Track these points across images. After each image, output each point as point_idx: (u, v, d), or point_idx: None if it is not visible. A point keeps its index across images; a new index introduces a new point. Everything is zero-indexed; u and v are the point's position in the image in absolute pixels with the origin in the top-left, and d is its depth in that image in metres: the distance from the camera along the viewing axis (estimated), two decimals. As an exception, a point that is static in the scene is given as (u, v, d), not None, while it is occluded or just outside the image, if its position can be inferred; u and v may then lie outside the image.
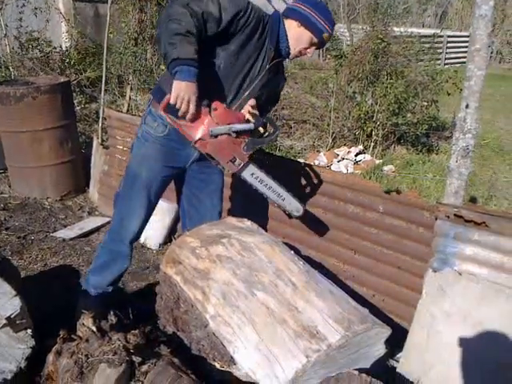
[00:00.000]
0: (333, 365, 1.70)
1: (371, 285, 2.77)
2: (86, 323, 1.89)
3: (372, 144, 6.36)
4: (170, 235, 3.66)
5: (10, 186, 4.40)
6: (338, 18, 10.26)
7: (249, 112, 2.26)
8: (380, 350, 1.85)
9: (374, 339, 1.80)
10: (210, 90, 2.12)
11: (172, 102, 2.03)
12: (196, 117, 2.10)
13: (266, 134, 2.26)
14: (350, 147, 6.28)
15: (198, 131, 2.14)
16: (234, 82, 2.21)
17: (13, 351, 1.78)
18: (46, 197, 4.25)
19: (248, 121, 2.21)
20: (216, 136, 2.13)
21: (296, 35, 2.20)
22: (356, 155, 6.17)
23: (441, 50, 15.25)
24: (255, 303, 1.84)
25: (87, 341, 1.78)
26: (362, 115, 6.09)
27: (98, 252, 2.56)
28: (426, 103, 6.57)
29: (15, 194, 4.29)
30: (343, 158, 6.13)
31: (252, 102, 2.27)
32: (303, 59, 9.23)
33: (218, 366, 1.89)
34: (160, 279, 2.26)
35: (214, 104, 2.12)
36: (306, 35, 2.19)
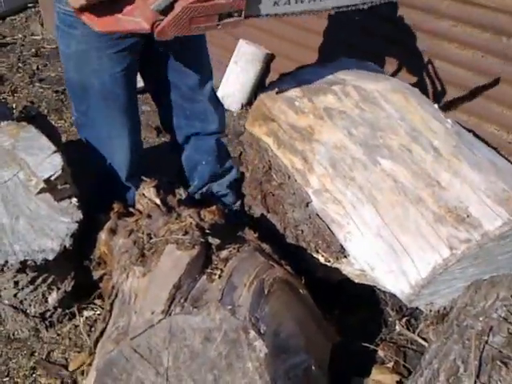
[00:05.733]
0: (487, 263, 1.67)
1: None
2: (148, 194, 1.97)
3: None
4: (257, 92, 3.64)
5: (42, 26, 4.54)
6: None
7: None
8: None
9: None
10: None
11: None
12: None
13: None
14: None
15: (142, 19, 1.69)
16: None
17: (55, 225, 1.90)
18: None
19: None
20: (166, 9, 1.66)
21: None
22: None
23: None
24: (378, 175, 1.81)
25: (149, 216, 1.87)
26: None
27: None
28: None
29: (49, 37, 4.43)
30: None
31: None
32: None
33: (321, 259, 1.93)
34: (244, 143, 2.28)
35: None
36: None
